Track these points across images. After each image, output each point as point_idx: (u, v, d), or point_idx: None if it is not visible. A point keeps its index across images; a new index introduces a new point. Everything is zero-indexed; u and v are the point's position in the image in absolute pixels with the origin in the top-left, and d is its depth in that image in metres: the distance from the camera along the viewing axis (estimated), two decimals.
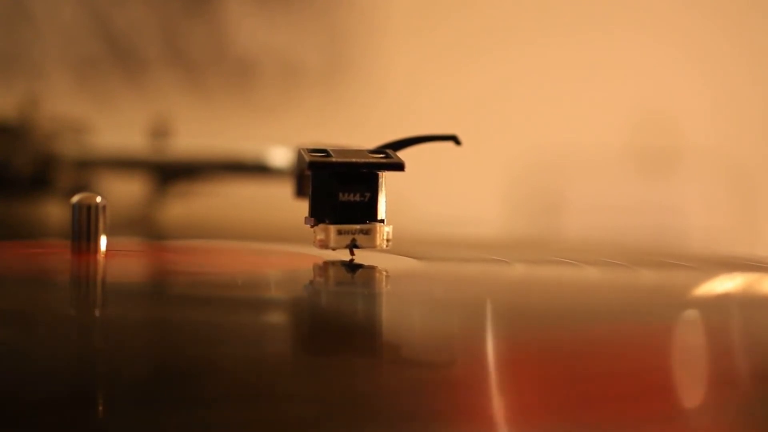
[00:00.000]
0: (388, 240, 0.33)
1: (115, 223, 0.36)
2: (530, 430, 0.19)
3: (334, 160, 0.32)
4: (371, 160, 0.33)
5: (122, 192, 0.61)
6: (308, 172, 0.33)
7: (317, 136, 0.48)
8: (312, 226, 0.33)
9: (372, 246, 0.33)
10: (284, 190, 0.45)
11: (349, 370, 0.22)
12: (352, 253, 0.34)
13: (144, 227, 0.58)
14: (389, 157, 0.33)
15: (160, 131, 0.62)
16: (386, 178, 0.33)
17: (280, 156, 0.59)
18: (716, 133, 0.88)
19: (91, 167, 0.63)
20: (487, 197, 0.87)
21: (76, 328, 0.25)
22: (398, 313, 0.29)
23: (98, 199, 0.34)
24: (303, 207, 0.34)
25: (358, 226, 0.33)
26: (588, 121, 0.88)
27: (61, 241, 0.37)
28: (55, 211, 0.61)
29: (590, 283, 0.35)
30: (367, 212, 0.33)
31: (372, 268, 0.34)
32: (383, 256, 0.35)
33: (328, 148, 0.33)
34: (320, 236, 0.33)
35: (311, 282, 0.34)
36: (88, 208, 0.34)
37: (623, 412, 0.20)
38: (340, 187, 0.33)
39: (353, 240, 0.33)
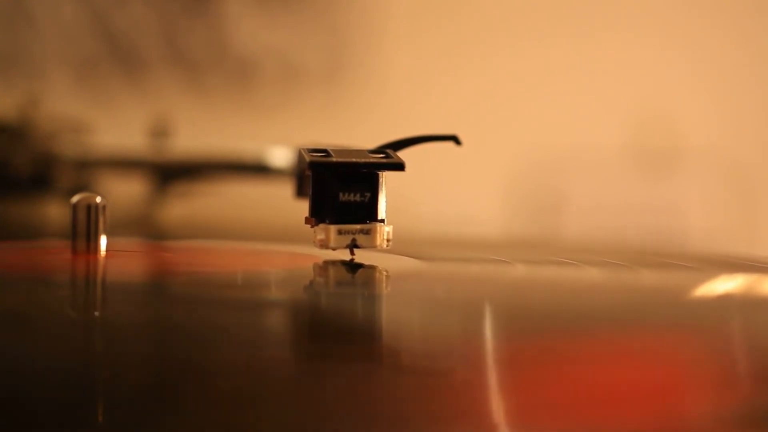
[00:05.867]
0: (388, 240, 0.33)
1: (115, 223, 0.36)
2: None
3: (334, 160, 0.32)
4: (371, 160, 0.33)
5: (122, 192, 0.61)
6: (309, 172, 0.33)
7: (317, 136, 0.48)
8: (312, 226, 0.33)
9: (372, 246, 0.33)
10: (284, 190, 0.45)
11: (349, 371, 0.22)
12: (352, 253, 0.34)
13: (144, 227, 0.58)
14: (389, 157, 0.33)
15: (160, 131, 0.62)
16: (386, 178, 0.33)
17: (280, 156, 0.59)
18: (716, 133, 0.88)
19: (91, 167, 0.63)
20: (487, 197, 0.87)
21: (76, 328, 0.25)
22: (398, 313, 0.29)
23: (98, 199, 0.34)
24: (303, 207, 0.34)
25: (358, 226, 0.33)
26: (588, 121, 0.88)
27: (61, 241, 0.37)
28: (55, 211, 0.61)
29: (590, 283, 0.35)
30: (368, 212, 0.33)
31: (372, 268, 0.34)
32: (383, 256, 0.35)
33: (329, 148, 0.33)
34: (320, 236, 0.33)
35: (311, 282, 0.34)
36: (88, 208, 0.34)
37: (623, 414, 0.20)
38: (341, 187, 0.33)
39: (353, 240, 0.33)
